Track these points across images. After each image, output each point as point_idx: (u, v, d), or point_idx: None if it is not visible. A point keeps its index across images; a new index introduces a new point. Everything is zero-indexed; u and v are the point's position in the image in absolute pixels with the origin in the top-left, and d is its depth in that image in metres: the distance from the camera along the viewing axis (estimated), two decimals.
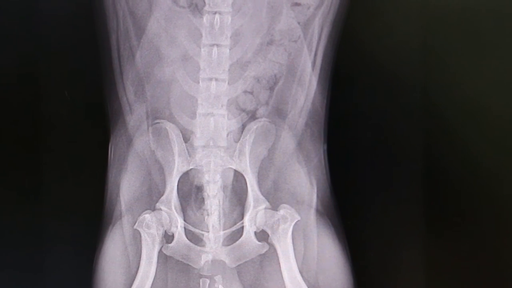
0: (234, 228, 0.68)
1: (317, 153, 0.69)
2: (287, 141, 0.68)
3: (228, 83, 0.67)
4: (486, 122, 0.71)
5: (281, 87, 0.68)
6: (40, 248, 0.71)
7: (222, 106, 0.67)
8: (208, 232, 0.68)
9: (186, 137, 0.68)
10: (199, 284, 0.68)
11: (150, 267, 0.68)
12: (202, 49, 0.67)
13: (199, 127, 0.67)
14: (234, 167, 0.68)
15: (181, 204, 0.68)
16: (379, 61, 0.70)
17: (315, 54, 0.68)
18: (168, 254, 0.68)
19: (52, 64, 0.70)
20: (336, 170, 0.69)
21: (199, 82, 0.67)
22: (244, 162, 0.68)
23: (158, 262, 0.68)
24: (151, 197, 0.68)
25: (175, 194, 0.68)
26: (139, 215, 0.68)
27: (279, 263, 0.68)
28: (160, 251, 0.68)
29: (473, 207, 0.71)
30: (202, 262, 0.68)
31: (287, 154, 0.68)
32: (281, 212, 0.68)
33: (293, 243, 0.68)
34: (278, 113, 0.68)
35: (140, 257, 0.68)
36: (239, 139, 0.68)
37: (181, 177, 0.68)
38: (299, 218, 0.68)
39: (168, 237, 0.68)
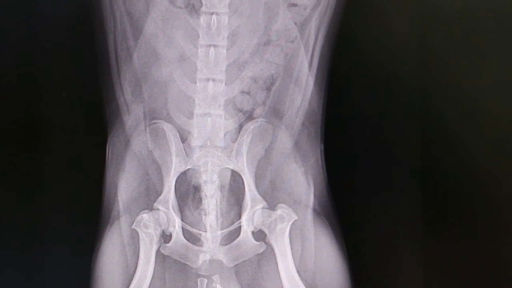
0: (231, 228, 0.68)
1: (314, 153, 0.69)
2: (284, 141, 0.68)
3: (225, 84, 0.67)
4: (485, 122, 0.71)
5: (278, 87, 0.68)
6: (39, 247, 0.71)
7: (219, 106, 0.67)
8: (206, 231, 0.68)
9: (184, 137, 0.68)
10: (197, 283, 0.68)
11: (148, 266, 0.68)
12: (199, 50, 0.67)
13: (197, 127, 0.67)
14: (231, 167, 0.68)
15: (179, 204, 0.68)
16: (376, 61, 0.70)
17: (312, 55, 0.68)
18: (166, 253, 0.68)
19: (51, 64, 0.70)
20: (333, 170, 0.69)
21: (196, 83, 0.67)
22: (241, 162, 0.68)
23: (156, 261, 0.68)
24: (148, 197, 0.69)
25: (172, 194, 0.68)
26: (137, 215, 0.68)
27: (276, 263, 0.68)
28: (158, 251, 0.68)
29: (471, 207, 0.71)
30: (200, 261, 0.68)
31: (284, 154, 0.68)
32: (279, 211, 0.68)
33: (290, 242, 0.68)
34: (275, 113, 0.68)
35: (138, 257, 0.68)
36: (236, 139, 0.68)
37: (178, 177, 0.68)
38: (296, 217, 0.68)
39: (166, 237, 0.68)
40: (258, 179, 0.68)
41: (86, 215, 0.70)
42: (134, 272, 0.68)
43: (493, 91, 0.71)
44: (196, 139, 0.67)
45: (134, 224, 0.68)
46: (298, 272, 0.68)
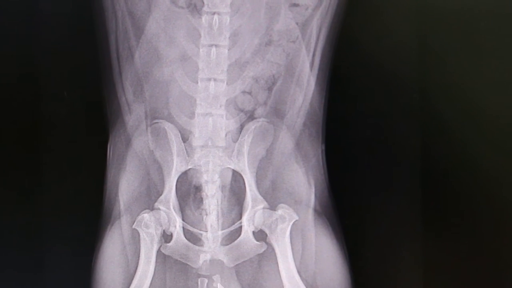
0: (232, 228, 0.68)
1: (315, 153, 0.69)
2: (285, 141, 0.68)
3: (227, 83, 0.67)
4: (485, 122, 0.71)
5: (279, 87, 0.68)
6: (39, 247, 0.71)
7: (220, 106, 0.67)
8: (207, 231, 0.68)
9: (185, 137, 0.68)
10: (197, 283, 0.68)
11: (148, 266, 0.68)
12: (200, 50, 0.67)
13: (198, 127, 0.67)
14: (232, 167, 0.68)
15: (180, 204, 0.68)
16: (377, 61, 0.70)
17: (313, 55, 0.68)
18: (166, 253, 0.68)
19: (51, 64, 0.70)
20: (334, 170, 0.70)
21: (197, 82, 0.67)
22: (242, 162, 0.68)
23: (156, 261, 0.68)
24: (149, 197, 0.69)
25: (173, 194, 0.68)
26: (138, 215, 0.68)
27: (277, 263, 0.68)
28: (158, 251, 0.68)
29: (471, 207, 0.71)
30: (201, 261, 0.68)
31: (285, 154, 0.68)
32: (279, 212, 0.68)
33: (291, 242, 0.68)
34: (276, 113, 0.68)
35: (138, 257, 0.68)
36: (237, 139, 0.68)
37: (179, 177, 0.68)
38: (297, 218, 0.68)
39: (166, 237, 0.68)
40: (259, 179, 0.68)
41: (86, 215, 0.70)
42: (135, 272, 0.68)
43: (493, 91, 0.71)
44: (197, 139, 0.67)
45: (135, 223, 0.68)
46: (298, 272, 0.68)
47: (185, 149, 0.68)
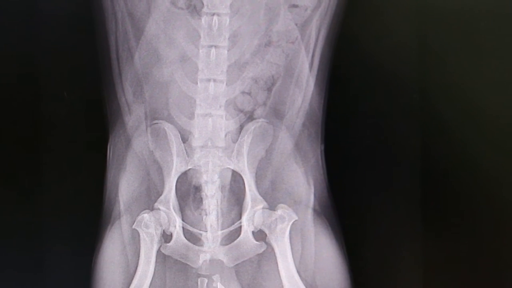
0: (232, 228, 0.68)
1: (315, 153, 0.69)
2: (285, 142, 0.68)
3: (226, 84, 0.67)
4: (485, 122, 0.71)
5: (279, 88, 0.68)
6: (39, 247, 0.71)
7: (220, 106, 0.67)
8: (206, 231, 0.68)
9: (185, 138, 0.68)
10: (197, 283, 0.69)
11: (148, 266, 0.68)
12: (200, 50, 0.67)
13: (197, 127, 0.67)
14: (232, 167, 0.68)
15: (180, 204, 0.68)
16: (376, 61, 0.70)
17: (313, 55, 0.68)
18: (166, 253, 0.68)
19: (51, 64, 0.70)
20: (333, 170, 0.70)
21: (197, 83, 0.67)
22: (242, 162, 0.68)
23: (156, 261, 0.68)
24: (149, 197, 0.69)
25: (173, 194, 0.68)
26: (138, 215, 0.69)
27: (276, 263, 0.68)
28: (158, 251, 0.68)
29: (471, 207, 0.71)
30: (200, 261, 0.68)
31: (285, 155, 0.68)
32: (279, 212, 0.68)
33: (290, 242, 0.68)
34: (276, 113, 0.68)
35: (138, 257, 0.68)
36: (237, 140, 0.68)
37: (179, 177, 0.68)
38: (296, 218, 0.68)
39: (166, 237, 0.68)
40: (258, 179, 0.68)
41: (86, 215, 0.70)
42: (135, 271, 0.68)
43: (493, 91, 0.71)
44: (197, 139, 0.68)
45: (135, 224, 0.68)
46: (298, 272, 0.68)
47: (185, 149, 0.68)
